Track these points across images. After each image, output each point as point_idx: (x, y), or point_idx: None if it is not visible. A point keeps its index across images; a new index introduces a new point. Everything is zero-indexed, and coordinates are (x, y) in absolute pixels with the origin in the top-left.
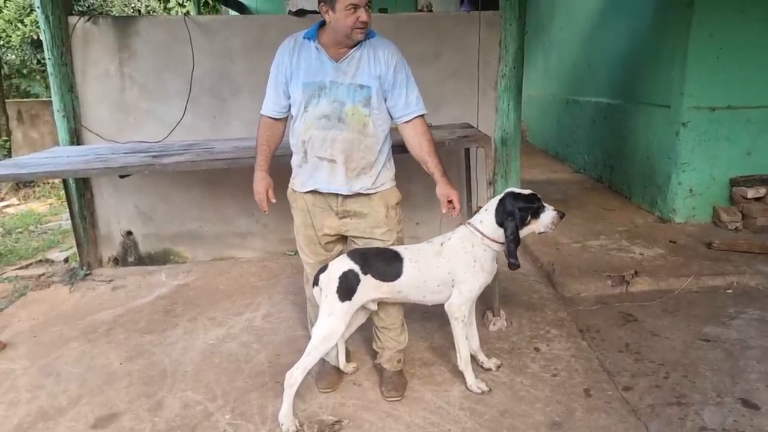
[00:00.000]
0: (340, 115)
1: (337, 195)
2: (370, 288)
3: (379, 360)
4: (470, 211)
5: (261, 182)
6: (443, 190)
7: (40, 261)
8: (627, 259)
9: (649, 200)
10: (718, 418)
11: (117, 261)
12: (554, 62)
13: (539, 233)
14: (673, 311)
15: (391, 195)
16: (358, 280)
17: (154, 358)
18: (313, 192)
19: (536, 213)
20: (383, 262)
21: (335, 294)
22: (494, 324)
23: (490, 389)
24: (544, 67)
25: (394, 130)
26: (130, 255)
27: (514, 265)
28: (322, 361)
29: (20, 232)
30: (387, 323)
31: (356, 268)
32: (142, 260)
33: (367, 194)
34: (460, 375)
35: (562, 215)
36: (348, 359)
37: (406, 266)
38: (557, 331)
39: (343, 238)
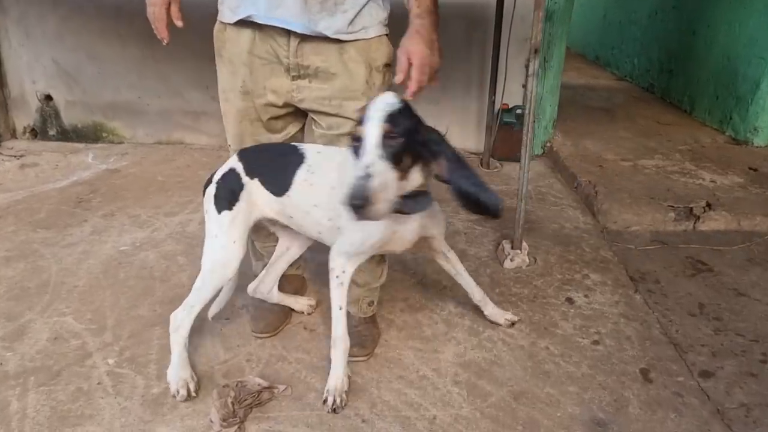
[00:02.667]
0: None
1: (288, 34)
2: (259, 200)
3: None
4: (492, 107)
5: None
6: (406, 42)
7: None
8: (694, 187)
9: (720, 115)
10: None
11: (35, 133)
12: None
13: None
14: (763, 262)
15: (379, 48)
16: (241, 185)
17: (39, 263)
18: (251, 27)
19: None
20: (277, 164)
21: (212, 204)
22: (512, 259)
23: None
24: None
25: None
26: (51, 127)
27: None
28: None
29: None
30: None
31: (240, 167)
32: (67, 135)
33: (338, 41)
34: (459, 327)
35: (351, 205)
36: (302, 292)
37: (299, 176)
38: (599, 277)
39: (298, 114)
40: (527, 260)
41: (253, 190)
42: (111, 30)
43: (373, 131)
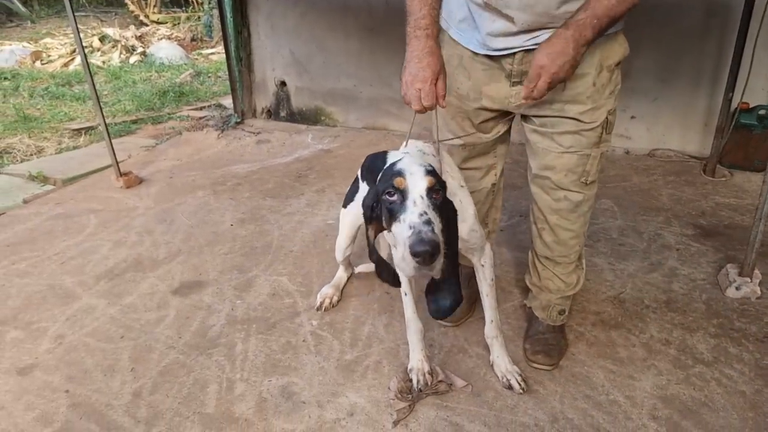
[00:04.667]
0: None
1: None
2: None
3: (531, 303)
4: (727, 106)
5: (431, 59)
6: (541, 49)
7: (212, 105)
8: None
9: None
10: None
11: (270, 113)
12: None
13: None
14: None
15: (613, 47)
16: (357, 187)
17: (265, 227)
18: None
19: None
20: (374, 170)
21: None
22: (738, 287)
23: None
24: None
25: None
26: (283, 109)
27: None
28: None
29: (209, 76)
30: (554, 252)
31: (362, 169)
32: (294, 117)
33: None
34: (662, 355)
35: (422, 253)
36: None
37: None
38: None
39: (508, 113)
40: (758, 291)
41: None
42: (338, 24)
43: (420, 183)
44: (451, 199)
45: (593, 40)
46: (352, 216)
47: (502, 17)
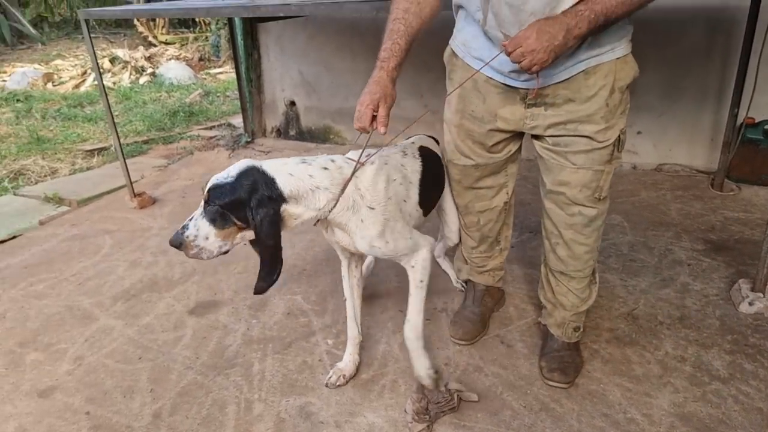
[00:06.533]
0: None
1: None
2: None
3: (545, 321)
4: (733, 121)
5: (375, 87)
6: (529, 26)
7: (222, 125)
8: None
9: None
10: None
11: (279, 132)
12: None
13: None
14: None
15: (624, 68)
16: None
17: None
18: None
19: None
20: None
21: None
22: (751, 303)
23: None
24: None
25: None
26: (292, 128)
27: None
28: (463, 303)
29: (217, 96)
30: (569, 267)
31: None
32: (303, 135)
33: (582, 69)
34: (677, 372)
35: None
36: (501, 304)
37: None
38: None
39: (518, 135)
40: None
41: None
42: (345, 46)
43: (204, 195)
44: (353, 215)
45: (586, 36)
46: None
47: None
